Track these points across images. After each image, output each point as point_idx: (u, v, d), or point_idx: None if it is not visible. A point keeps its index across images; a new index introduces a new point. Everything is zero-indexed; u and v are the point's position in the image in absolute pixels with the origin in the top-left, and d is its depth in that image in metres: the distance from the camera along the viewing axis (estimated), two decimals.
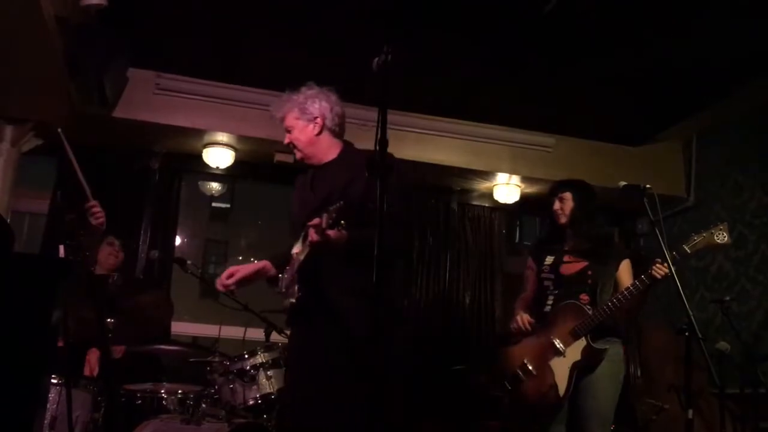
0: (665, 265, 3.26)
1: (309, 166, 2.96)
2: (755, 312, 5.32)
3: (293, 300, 2.66)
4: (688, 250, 3.32)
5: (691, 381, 3.25)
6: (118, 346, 4.10)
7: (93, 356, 3.97)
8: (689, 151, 6.36)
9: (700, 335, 2.99)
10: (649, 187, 3.18)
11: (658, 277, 3.28)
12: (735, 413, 4.52)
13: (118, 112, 5.36)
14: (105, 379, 3.46)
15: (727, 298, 4.79)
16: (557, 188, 3.77)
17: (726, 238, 3.32)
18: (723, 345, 4.18)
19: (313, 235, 2.45)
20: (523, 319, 3.55)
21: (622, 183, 3.33)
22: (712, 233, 3.32)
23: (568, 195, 3.68)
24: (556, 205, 3.71)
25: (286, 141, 2.93)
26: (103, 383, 3.56)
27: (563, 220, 3.68)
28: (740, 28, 4.45)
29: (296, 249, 2.70)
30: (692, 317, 3.01)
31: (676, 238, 6.14)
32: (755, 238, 5.41)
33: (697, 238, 3.34)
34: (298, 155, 2.93)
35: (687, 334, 3.18)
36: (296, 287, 2.66)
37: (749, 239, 5.47)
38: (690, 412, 3.17)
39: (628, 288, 3.36)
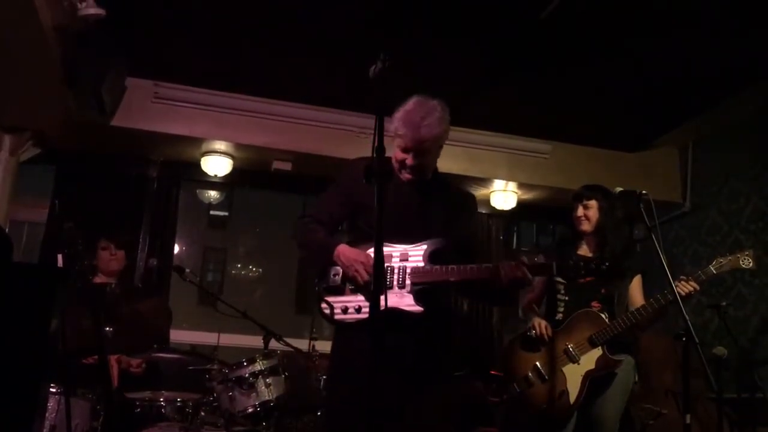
0: (690, 282, 3.31)
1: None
2: (752, 317, 5.34)
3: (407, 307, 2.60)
4: (714, 271, 3.40)
5: (688, 386, 3.25)
6: (136, 359, 4.11)
7: (114, 368, 3.95)
8: (685, 157, 6.39)
9: (697, 340, 2.99)
10: (645, 193, 3.19)
11: (683, 294, 3.28)
12: (732, 418, 4.53)
13: (117, 121, 5.37)
14: (103, 387, 3.46)
15: (724, 303, 4.81)
16: (582, 194, 3.67)
17: (751, 264, 3.40)
18: (720, 350, 4.18)
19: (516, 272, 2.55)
20: (542, 325, 3.52)
21: (619, 189, 3.34)
22: (738, 258, 3.40)
23: (593, 203, 3.62)
24: (580, 211, 3.64)
25: (414, 162, 2.70)
26: (102, 391, 3.56)
27: (586, 227, 3.62)
28: (734, 36, 4.48)
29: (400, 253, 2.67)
30: (689, 323, 3.02)
31: (672, 243, 6.23)
32: (751, 243, 5.43)
33: (723, 261, 3.41)
34: (408, 176, 2.76)
35: (684, 339, 3.19)
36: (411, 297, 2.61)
37: (745, 244, 5.49)
38: (687, 417, 3.17)
39: (650, 302, 3.38)
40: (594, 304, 3.49)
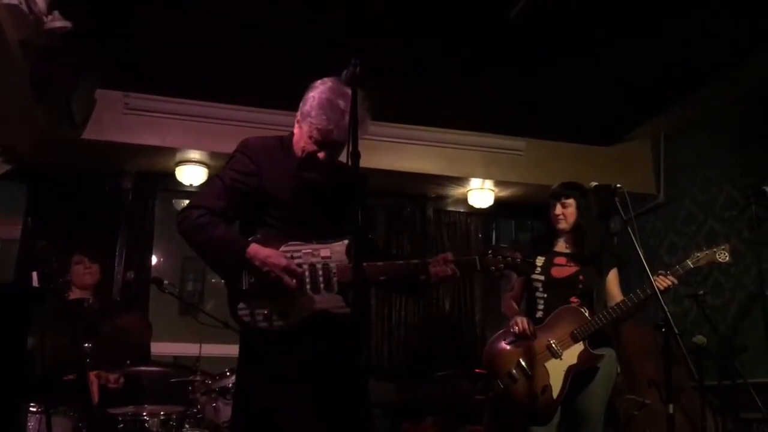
0: (669, 277, 3.35)
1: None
2: (730, 304, 5.40)
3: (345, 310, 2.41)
4: (692, 265, 3.44)
5: (670, 376, 3.29)
6: (113, 374, 4.06)
7: (94, 384, 3.89)
8: (658, 149, 6.46)
9: (676, 330, 3.03)
10: (620, 187, 3.22)
11: (662, 288, 3.31)
12: (715, 405, 4.59)
13: (88, 134, 5.31)
14: (84, 404, 3.42)
15: (702, 292, 4.88)
16: (560, 192, 3.68)
17: (727, 257, 3.46)
18: (700, 339, 4.24)
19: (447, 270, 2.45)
20: (523, 322, 3.53)
21: (594, 183, 3.38)
22: (714, 252, 3.46)
23: (571, 201, 3.65)
24: (558, 209, 3.66)
25: (326, 158, 2.51)
26: (84, 409, 3.52)
27: (563, 225, 3.66)
28: (703, 27, 4.53)
29: (326, 252, 2.45)
30: (668, 312, 3.06)
31: (648, 235, 6.29)
32: (725, 231, 5.50)
33: (700, 255, 3.47)
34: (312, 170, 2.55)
35: (664, 329, 3.23)
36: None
37: (719, 233, 5.56)
38: (671, 407, 3.21)
39: (630, 297, 3.41)
40: (573, 299, 3.53)
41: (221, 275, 2.50)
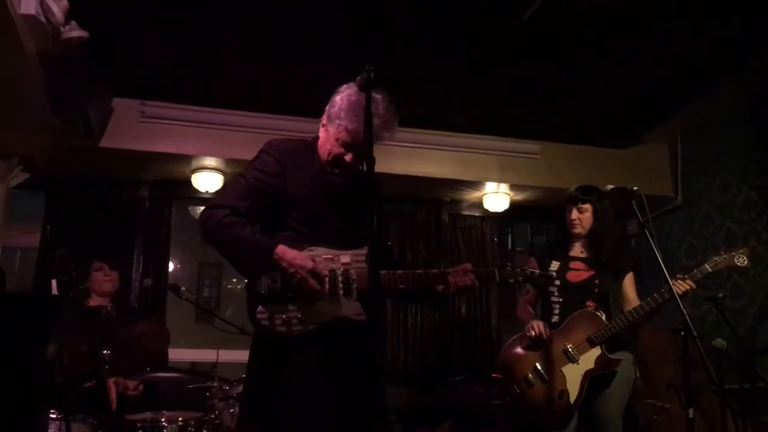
0: (687, 281, 3.32)
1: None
2: (749, 307, 5.35)
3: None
4: (710, 269, 3.42)
5: (689, 380, 3.27)
6: (132, 381, 4.08)
7: (112, 391, 3.91)
8: (675, 151, 6.41)
9: (695, 334, 3.00)
10: (636, 189, 3.19)
11: (680, 292, 3.28)
12: (735, 409, 4.54)
13: (105, 143, 5.36)
14: (103, 411, 3.44)
15: (720, 295, 4.83)
16: (577, 197, 3.65)
17: (746, 262, 3.43)
18: (719, 342, 4.19)
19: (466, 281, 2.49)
20: (540, 326, 3.50)
21: (610, 186, 3.35)
22: (733, 256, 3.43)
23: (588, 206, 3.62)
24: (574, 214, 3.64)
25: (353, 161, 2.53)
26: (103, 415, 3.54)
27: (579, 230, 3.64)
28: (714, 28, 4.51)
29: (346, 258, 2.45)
30: (687, 316, 3.03)
31: (666, 237, 6.24)
32: (744, 233, 5.45)
33: (718, 259, 3.44)
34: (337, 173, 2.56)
35: (683, 333, 3.21)
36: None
37: (737, 235, 5.51)
38: (690, 411, 3.19)
39: (648, 301, 3.39)
40: (589, 303, 3.50)
41: (246, 275, 2.47)
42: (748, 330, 5.28)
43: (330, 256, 2.43)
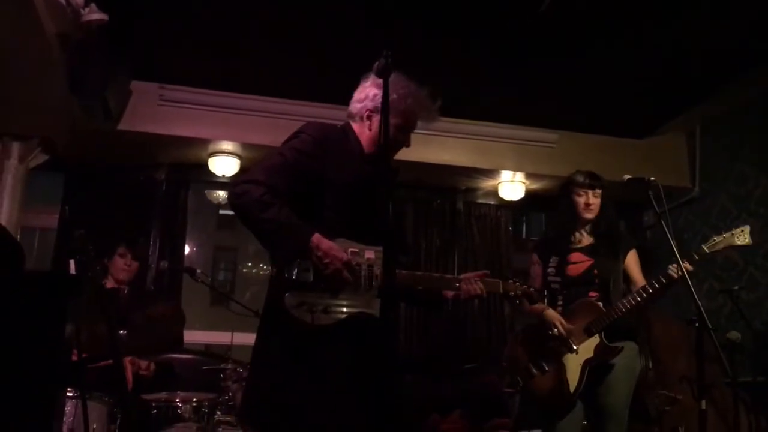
0: (684, 264, 3.27)
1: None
2: (765, 300, 5.31)
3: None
4: (707, 251, 3.33)
5: (703, 372, 3.25)
6: (144, 362, 4.14)
7: (128, 370, 3.96)
8: (693, 142, 6.36)
9: (710, 326, 2.98)
10: (653, 180, 3.17)
11: (675, 277, 3.25)
12: (748, 402, 4.52)
13: (123, 125, 5.40)
14: (119, 390, 3.49)
15: (736, 288, 4.80)
16: (593, 183, 3.60)
17: (747, 240, 3.35)
18: (734, 334, 4.19)
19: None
20: (563, 325, 3.45)
21: (627, 176, 3.31)
22: (732, 234, 3.35)
23: (599, 192, 3.59)
24: (590, 199, 3.58)
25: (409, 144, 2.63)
26: (120, 395, 3.59)
27: (590, 216, 3.59)
28: (737, 18, 4.45)
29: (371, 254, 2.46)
30: (701, 308, 3.01)
31: (682, 229, 6.21)
32: (761, 226, 5.40)
33: (717, 239, 3.35)
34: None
35: (697, 325, 3.19)
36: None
37: (754, 228, 5.43)
38: (703, 403, 3.17)
39: (645, 287, 3.36)
40: (591, 293, 3.49)
41: (278, 257, 2.43)
42: (763, 323, 5.25)
43: (357, 250, 2.42)
